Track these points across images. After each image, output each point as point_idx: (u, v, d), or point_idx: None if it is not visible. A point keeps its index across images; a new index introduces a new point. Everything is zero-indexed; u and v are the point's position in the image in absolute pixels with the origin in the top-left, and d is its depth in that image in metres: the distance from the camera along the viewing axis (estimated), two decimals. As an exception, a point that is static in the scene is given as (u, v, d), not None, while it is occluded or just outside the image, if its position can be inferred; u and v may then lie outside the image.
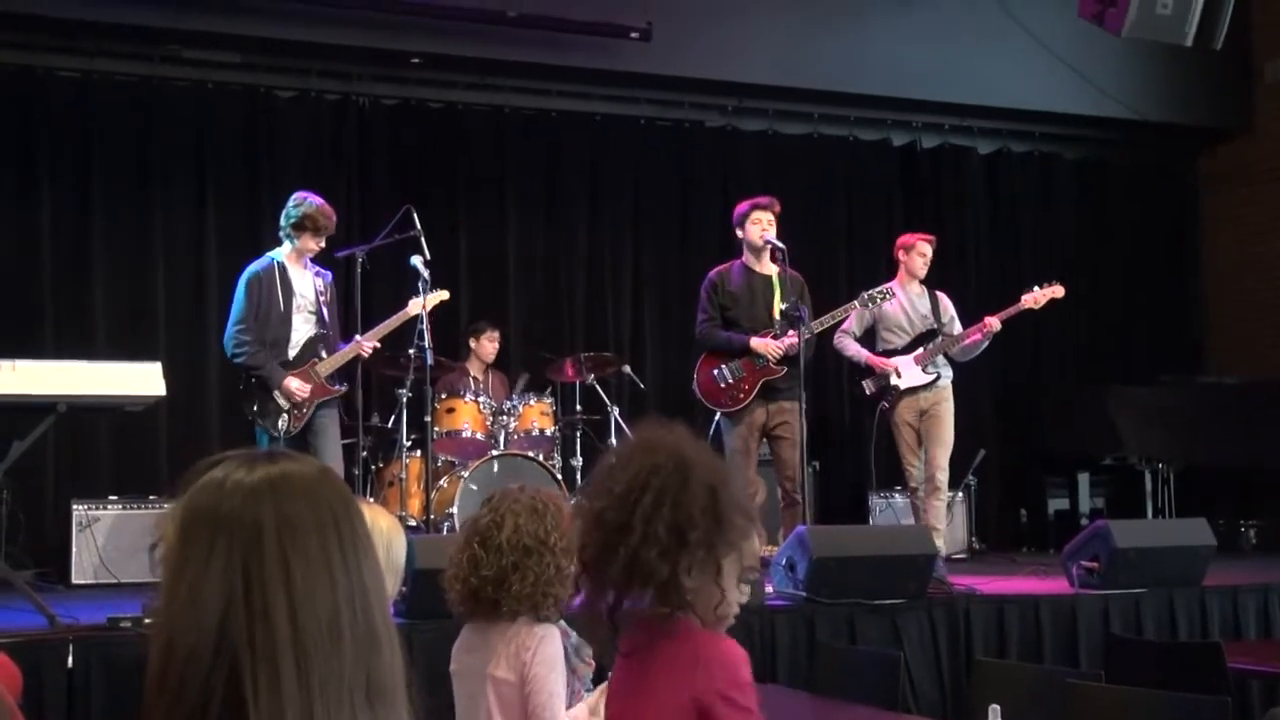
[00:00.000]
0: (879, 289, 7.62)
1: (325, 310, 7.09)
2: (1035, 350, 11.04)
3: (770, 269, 7.47)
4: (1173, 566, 6.55)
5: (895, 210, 10.78)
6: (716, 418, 7.49)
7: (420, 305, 7.24)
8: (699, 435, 2.47)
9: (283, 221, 7.03)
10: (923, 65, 10.06)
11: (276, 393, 6.89)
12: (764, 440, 7.50)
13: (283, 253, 7.05)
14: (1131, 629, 6.25)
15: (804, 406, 7.13)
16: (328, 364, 7.01)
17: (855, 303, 7.59)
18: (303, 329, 7.05)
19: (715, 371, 7.42)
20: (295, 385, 6.88)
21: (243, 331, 6.94)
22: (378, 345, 7.15)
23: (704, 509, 2.26)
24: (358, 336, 7.07)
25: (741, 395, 7.35)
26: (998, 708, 3.08)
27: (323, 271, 7.21)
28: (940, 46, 10.08)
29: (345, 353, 7.05)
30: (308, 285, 7.08)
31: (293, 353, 7.01)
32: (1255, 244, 11.26)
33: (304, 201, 7.00)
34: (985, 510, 10.30)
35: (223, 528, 1.38)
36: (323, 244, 7.05)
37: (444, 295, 7.44)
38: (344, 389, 7.12)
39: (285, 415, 6.91)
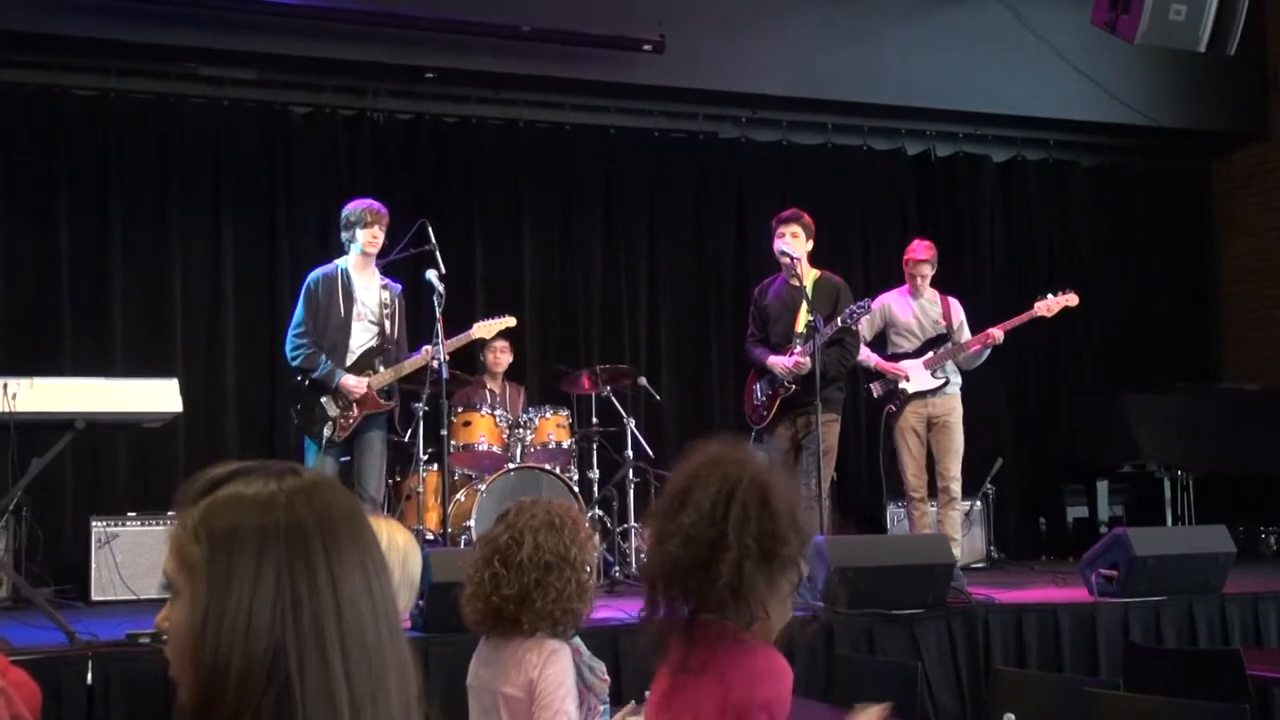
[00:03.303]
0: (857, 304, 7.43)
1: (387, 322, 7.16)
2: (1052, 358, 11.02)
3: (805, 279, 7.44)
4: (1192, 574, 6.52)
5: (910, 220, 10.77)
6: (752, 433, 7.55)
7: (486, 329, 7.55)
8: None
9: (341, 231, 7.19)
10: (936, 74, 10.05)
11: (325, 399, 6.97)
12: (794, 451, 7.49)
13: (348, 260, 7.15)
14: (1151, 637, 6.22)
15: (816, 417, 7.09)
16: (382, 377, 7.08)
17: (838, 320, 7.40)
18: (362, 337, 7.13)
19: (754, 388, 7.62)
20: (353, 382, 6.95)
21: (300, 335, 7.08)
22: (447, 359, 7.18)
23: (787, 525, 2.37)
24: (426, 347, 7.12)
25: (764, 413, 7.42)
26: (1012, 716, 3.07)
27: (392, 284, 7.30)
28: (954, 55, 10.07)
29: (411, 363, 7.15)
30: (372, 294, 7.17)
31: (350, 361, 7.08)
32: (1272, 249, 11.22)
33: (347, 204, 7.23)
34: (1004, 519, 10.27)
35: (269, 544, 1.36)
36: (380, 233, 7.11)
37: (510, 321, 7.69)
38: (393, 405, 7.19)
39: (330, 423, 6.98)
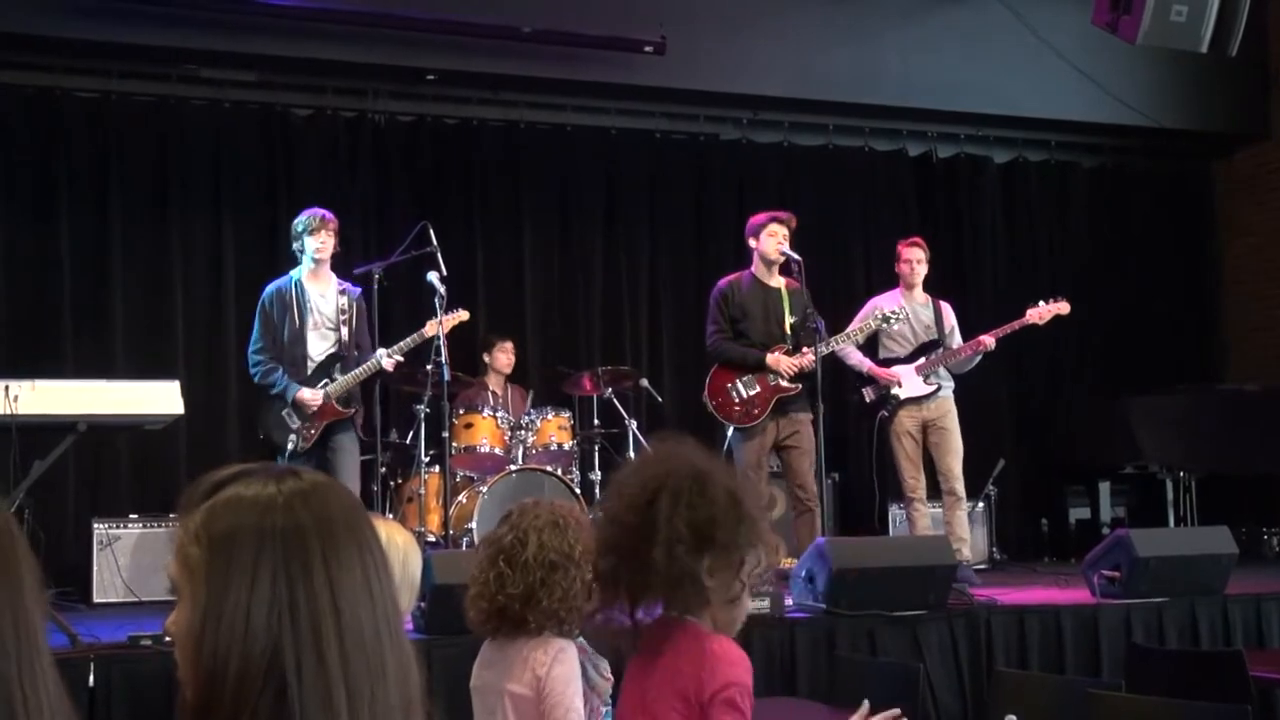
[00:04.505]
0: (893, 309, 7.63)
1: (344, 328, 7.15)
2: (1054, 360, 11.00)
3: (779, 281, 7.48)
4: (1194, 575, 6.51)
5: (911, 221, 10.74)
6: (729, 431, 7.48)
7: (437, 325, 7.26)
8: (713, 448, 2.55)
9: (292, 242, 7.18)
10: (937, 75, 10.04)
11: (285, 411, 7.00)
12: (775, 452, 7.50)
13: (301, 271, 7.15)
14: (1153, 638, 6.21)
15: (817, 417, 7.12)
16: (338, 385, 7.08)
17: (870, 322, 7.60)
18: (319, 346, 7.14)
19: (729, 385, 7.42)
20: (307, 395, 6.97)
21: (258, 351, 7.16)
22: (400, 360, 7.20)
23: (725, 509, 2.36)
24: (380, 350, 7.12)
25: (756, 412, 7.35)
26: (1014, 718, 3.07)
27: (350, 289, 7.30)
28: (954, 56, 10.06)
29: (362, 370, 7.10)
30: (329, 302, 7.18)
31: (310, 370, 7.10)
32: (1273, 249, 11.21)
33: (298, 216, 7.25)
34: (1006, 520, 10.26)
35: (266, 546, 1.36)
36: (329, 240, 7.14)
37: (463, 315, 7.49)
38: (353, 411, 7.18)
39: (294, 434, 6.99)
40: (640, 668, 2.45)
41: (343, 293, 7.24)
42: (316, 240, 7.09)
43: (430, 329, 7.29)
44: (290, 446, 7.00)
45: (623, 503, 2.40)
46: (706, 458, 2.46)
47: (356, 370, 7.11)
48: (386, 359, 7.10)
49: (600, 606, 2.47)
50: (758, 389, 7.34)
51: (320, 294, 7.18)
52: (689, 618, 2.39)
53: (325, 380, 7.09)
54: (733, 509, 2.36)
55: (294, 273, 7.21)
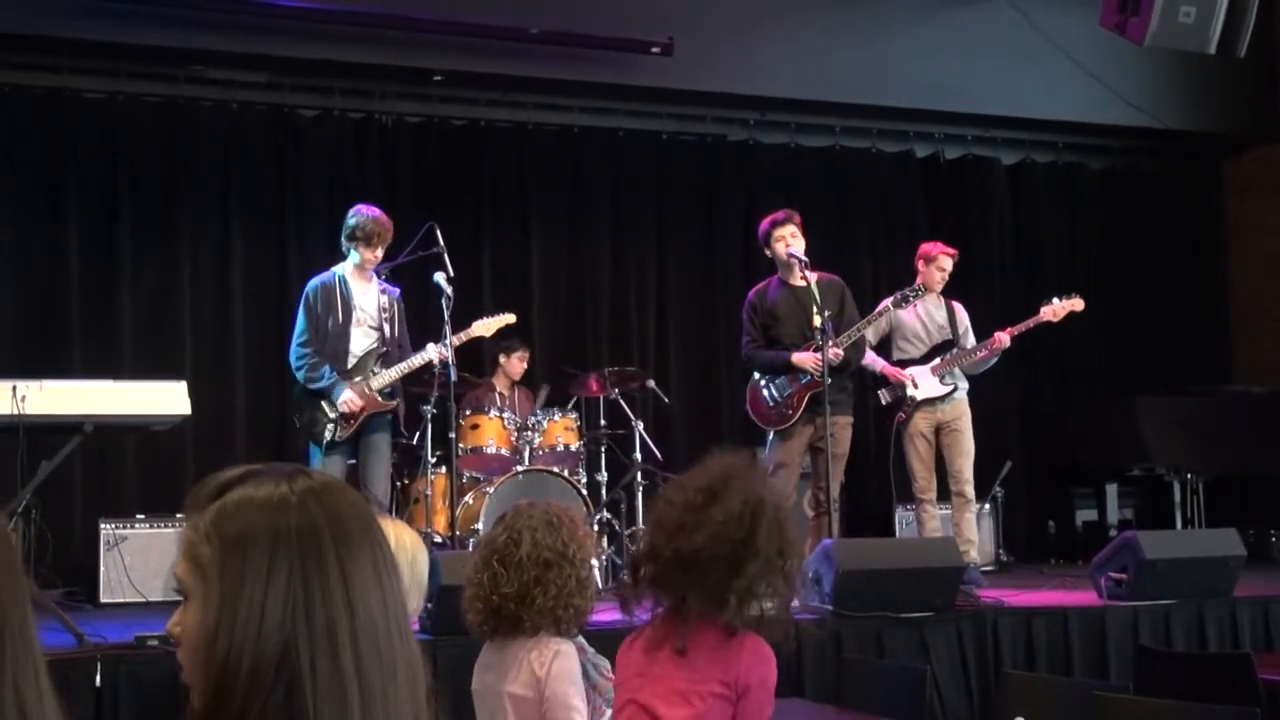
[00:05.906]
0: (910, 288, 7.57)
1: (387, 326, 7.18)
2: (1061, 361, 11.00)
3: (807, 279, 7.45)
4: (1202, 577, 6.49)
5: (919, 222, 10.74)
6: (770, 436, 7.46)
7: (485, 327, 7.43)
8: (707, 451, 2.74)
9: (342, 235, 7.17)
10: (945, 76, 10.03)
11: (324, 403, 6.99)
12: (809, 453, 7.48)
13: (346, 266, 7.17)
14: (1161, 640, 6.21)
15: (825, 418, 7.08)
16: (382, 378, 7.09)
17: (889, 302, 7.55)
18: (361, 342, 7.15)
19: (764, 391, 7.43)
20: (346, 396, 6.96)
21: (303, 345, 7.10)
22: (455, 361, 7.19)
23: (776, 544, 2.63)
24: (431, 345, 7.12)
25: (790, 412, 7.33)
26: (1022, 720, 3.06)
27: (389, 288, 7.32)
28: (962, 57, 10.05)
29: (408, 364, 7.13)
30: (370, 299, 7.19)
31: (350, 364, 7.10)
32: (1282, 251, 11.20)
33: (357, 213, 7.18)
34: (1013, 522, 10.24)
35: (281, 545, 1.37)
36: (379, 254, 7.13)
37: (510, 318, 7.58)
38: (396, 404, 7.19)
39: (332, 424, 6.99)
40: (660, 653, 2.69)
41: (383, 292, 7.26)
42: (373, 252, 7.08)
43: (476, 329, 7.41)
44: (328, 436, 7.01)
45: (719, 514, 2.62)
46: (779, 485, 2.85)
47: (401, 364, 7.13)
48: (437, 353, 7.10)
49: (637, 600, 2.73)
50: (790, 390, 7.34)
51: (363, 291, 7.19)
52: (727, 619, 2.63)
53: (368, 373, 7.10)
54: (798, 542, 2.71)
55: (338, 269, 7.19)
